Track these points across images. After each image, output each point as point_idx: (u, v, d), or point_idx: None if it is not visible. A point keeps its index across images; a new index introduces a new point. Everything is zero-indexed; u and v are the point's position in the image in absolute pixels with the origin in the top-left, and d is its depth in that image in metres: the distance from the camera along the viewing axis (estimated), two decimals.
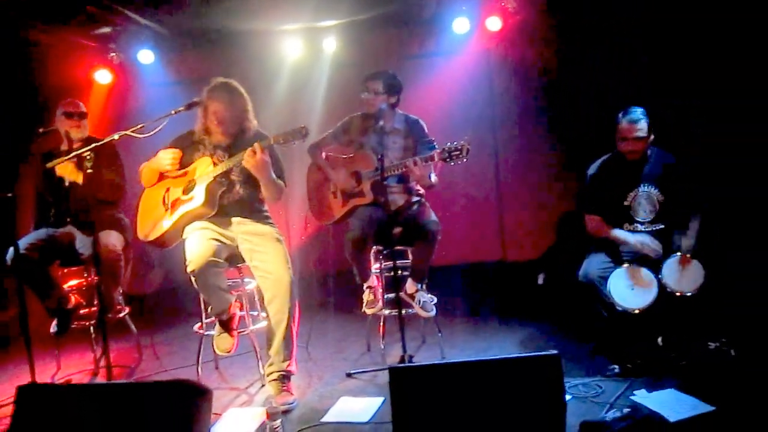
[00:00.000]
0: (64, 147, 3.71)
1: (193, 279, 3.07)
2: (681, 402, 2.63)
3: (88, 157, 2.84)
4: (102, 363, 3.45)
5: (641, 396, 2.73)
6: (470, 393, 2.13)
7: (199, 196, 3.18)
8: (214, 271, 3.08)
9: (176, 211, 3.23)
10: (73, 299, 3.73)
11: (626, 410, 2.36)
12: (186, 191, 3.23)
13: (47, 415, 2.24)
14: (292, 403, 2.94)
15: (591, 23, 4.80)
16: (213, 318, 3.23)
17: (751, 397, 2.64)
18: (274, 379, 3.05)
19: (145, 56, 5.41)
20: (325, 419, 2.79)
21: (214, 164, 3.20)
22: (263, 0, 4.82)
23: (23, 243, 3.45)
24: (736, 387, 2.75)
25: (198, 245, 3.05)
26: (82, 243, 3.60)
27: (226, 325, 3.20)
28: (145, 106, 5.47)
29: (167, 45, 5.48)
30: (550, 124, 5.21)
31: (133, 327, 3.84)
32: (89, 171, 2.84)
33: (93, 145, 2.92)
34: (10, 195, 3.22)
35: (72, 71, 5.40)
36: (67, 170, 3.49)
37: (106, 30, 5.25)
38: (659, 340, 3.08)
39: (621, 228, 3.22)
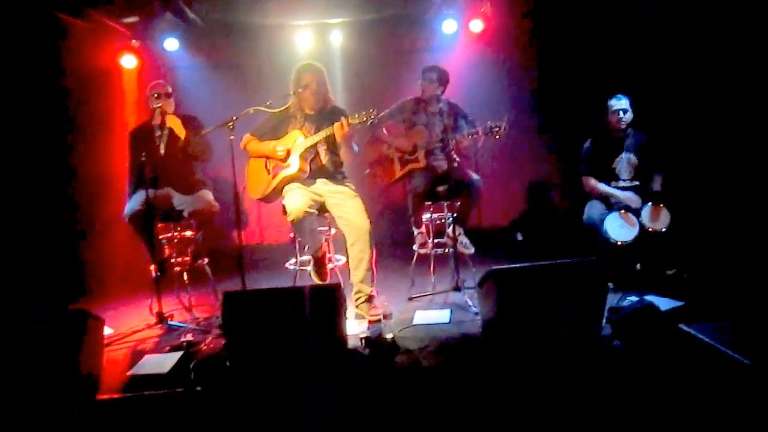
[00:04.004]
0: (155, 122, 4.37)
1: (292, 226, 3.93)
2: (661, 300, 3.82)
3: (231, 126, 3.61)
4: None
5: (633, 299, 3.89)
6: (545, 287, 3.15)
7: (294, 163, 4.03)
8: (309, 219, 3.94)
9: (277, 175, 4.07)
10: (166, 250, 4.44)
11: (636, 299, 3.49)
12: (283, 160, 4.06)
13: (245, 311, 3.07)
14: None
15: (561, 27, 5.96)
16: (309, 257, 4.08)
17: (702, 296, 3.89)
18: (363, 301, 3.94)
19: (171, 44, 6.01)
20: (414, 323, 3.76)
21: (305, 136, 4.04)
22: None
23: (135, 202, 4.13)
24: (693, 291, 3.98)
25: (296, 200, 3.89)
26: (180, 201, 4.30)
27: (320, 261, 4.06)
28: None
29: (190, 34, 6.13)
30: (522, 111, 6.31)
31: (210, 273, 4.58)
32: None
33: (235, 117, 3.66)
34: (143, 158, 3.94)
35: (99, 56, 5.93)
36: (176, 125, 4.20)
37: (134, 19, 5.87)
38: (638, 265, 4.28)
39: (608, 184, 4.40)
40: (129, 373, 3.28)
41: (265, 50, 6.24)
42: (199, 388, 2.96)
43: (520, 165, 6.45)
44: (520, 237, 6.10)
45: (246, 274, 3.74)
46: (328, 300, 3.09)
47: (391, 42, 6.40)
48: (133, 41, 6.02)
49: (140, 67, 6.08)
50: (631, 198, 4.30)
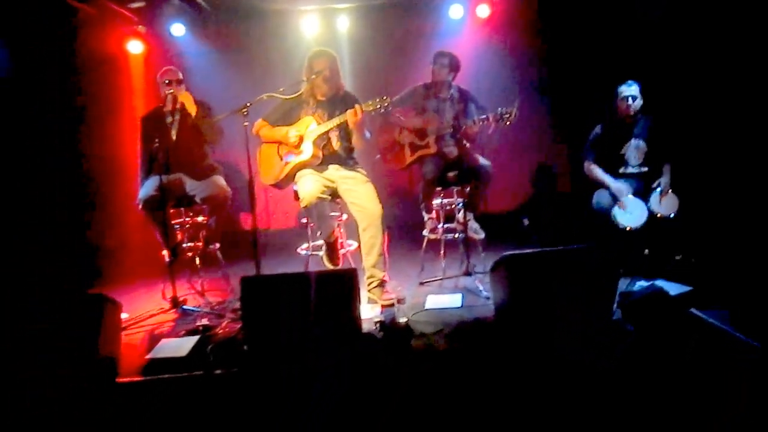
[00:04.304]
0: (167, 108, 4.38)
1: (305, 212, 3.96)
2: (670, 285, 3.86)
3: (245, 112, 3.62)
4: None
5: (643, 284, 3.94)
6: (557, 272, 3.19)
7: (307, 150, 4.05)
8: (322, 204, 3.97)
9: (289, 161, 4.08)
10: (179, 235, 4.47)
11: (646, 284, 3.54)
12: (296, 146, 4.08)
13: (262, 296, 3.11)
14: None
15: (568, 12, 5.95)
16: (321, 242, 4.12)
17: (710, 281, 3.93)
18: (375, 286, 3.98)
19: (177, 29, 6.01)
20: (427, 307, 3.80)
21: (317, 122, 4.06)
22: None
23: (149, 188, 4.16)
24: (700, 277, 4.03)
25: (309, 186, 3.91)
26: (193, 186, 4.33)
27: (332, 246, 4.11)
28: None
29: (197, 19, 6.11)
30: (529, 97, 6.30)
31: (221, 258, 4.62)
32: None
33: (249, 103, 3.67)
34: (156, 144, 3.97)
35: (106, 41, 5.91)
36: (188, 100, 4.25)
37: (141, 4, 5.86)
38: (645, 251, 4.33)
39: (617, 169, 4.44)
40: (147, 356, 3.34)
41: (272, 35, 6.23)
42: (218, 372, 3.00)
43: (527, 150, 6.46)
44: (526, 222, 6.13)
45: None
46: (344, 285, 3.13)
47: (398, 27, 6.38)
48: (140, 26, 6.03)
49: (147, 52, 6.09)
50: (616, 186, 4.32)
